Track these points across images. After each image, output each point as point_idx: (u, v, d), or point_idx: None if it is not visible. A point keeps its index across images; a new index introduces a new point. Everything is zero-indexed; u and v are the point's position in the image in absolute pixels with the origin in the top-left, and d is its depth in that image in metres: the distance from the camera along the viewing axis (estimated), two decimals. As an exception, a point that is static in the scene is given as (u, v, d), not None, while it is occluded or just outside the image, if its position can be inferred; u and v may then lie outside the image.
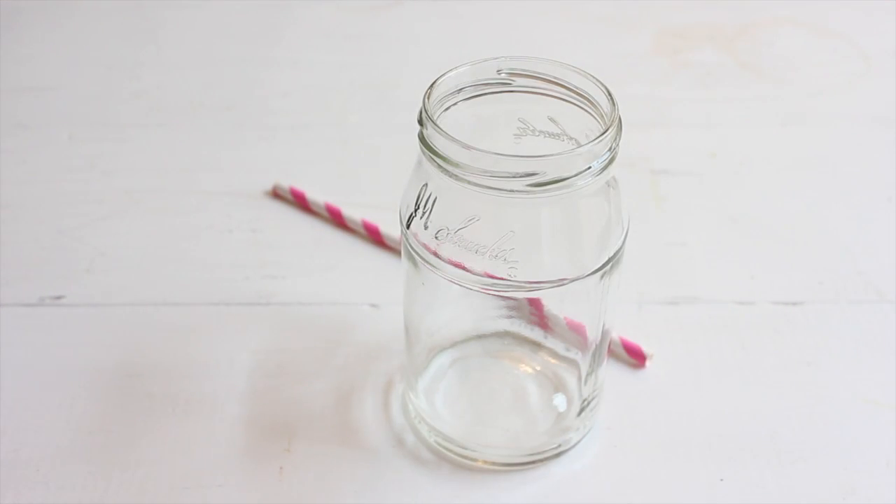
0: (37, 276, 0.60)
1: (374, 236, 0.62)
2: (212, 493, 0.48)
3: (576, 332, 0.49)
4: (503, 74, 0.45)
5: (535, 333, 0.52)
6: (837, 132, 0.74)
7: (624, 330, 0.56)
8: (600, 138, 0.41)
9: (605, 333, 0.48)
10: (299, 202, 0.65)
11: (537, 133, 0.46)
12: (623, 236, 0.45)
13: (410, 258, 0.45)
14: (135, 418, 0.51)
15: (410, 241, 0.45)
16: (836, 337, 0.56)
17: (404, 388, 0.52)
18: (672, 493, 0.48)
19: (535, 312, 0.50)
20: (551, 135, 0.45)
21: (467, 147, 0.40)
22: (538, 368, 0.52)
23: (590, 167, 0.41)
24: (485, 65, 0.45)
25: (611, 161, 0.42)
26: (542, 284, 0.43)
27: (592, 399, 0.49)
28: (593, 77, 0.44)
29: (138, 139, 0.72)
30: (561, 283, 0.43)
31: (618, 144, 0.42)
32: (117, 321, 0.57)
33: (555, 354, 0.52)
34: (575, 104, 0.44)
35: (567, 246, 0.43)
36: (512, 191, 0.40)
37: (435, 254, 0.44)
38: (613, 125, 0.41)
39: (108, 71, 0.80)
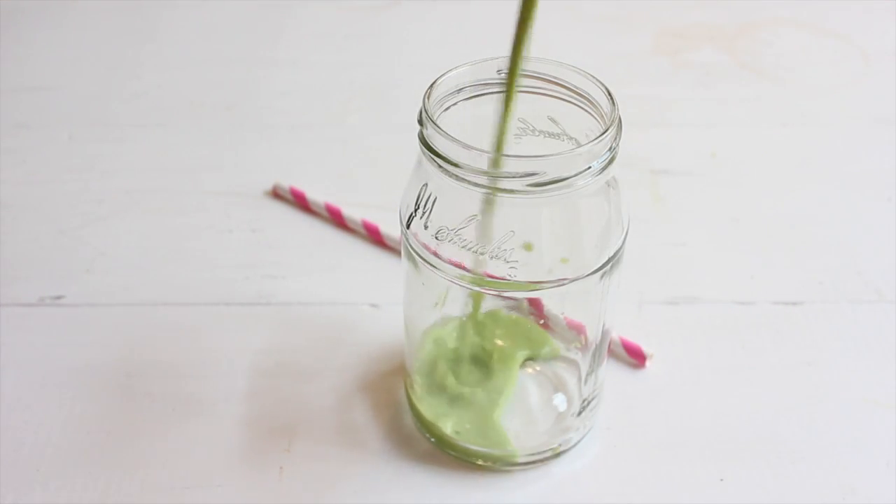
0: (37, 276, 0.60)
1: (374, 236, 0.62)
2: (212, 493, 0.48)
3: (576, 332, 0.49)
4: (503, 74, 0.45)
5: (535, 333, 0.52)
6: (837, 132, 0.74)
7: (624, 330, 0.56)
8: (600, 138, 0.41)
9: (605, 333, 0.48)
10: (299, 202, 0.65)
11: (537, 133, 0.46)
12: (623, 236, 0.45)
13: (410, 258, 0.45)
14: (135, 418, 0.51)
15: (410, 240, 0.45)
16: (836, 337, 0.56)
17: (404, 388, 0.52)
18: (672, 493, 0.48)
19: (535, 312, 0.50)
20: (551, 135, 0.45)
21: (467, 147, 0.40)
22: (538, 368, 0.52)
23: (590, 167, 0.41)
24: (485, 65, 0.45)
25: (611, 161, 0.42)
26: (542, 284, 0.43)
27: (592, 399, 0.49)
28: (593, 77, 0.44)
29: (138, 139, 0.72)
30: (561, 283, 0.43)
31: (618, 144, 0.42)
32: (117, 321, 0.57)
33: (555, 354, 0.52)
34: (575, 104, 0.44)
35: (567, 246, 0.43)
36: (512, 191, 0.40)
37: (435, 254, 0.44)
38: (613, 125, 0.41)
39: (108, 71, 0.80)
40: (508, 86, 0.43)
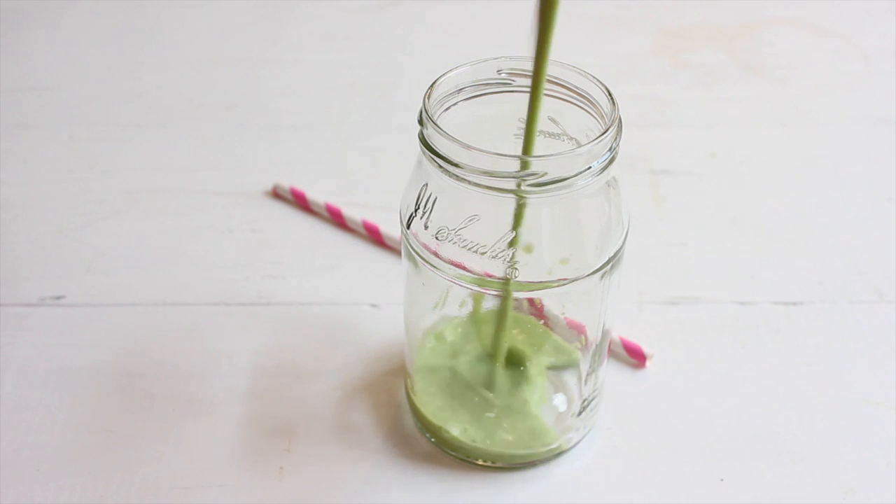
0: (37, 276, 0.60)
1: (374, 236, 0.62)
2: (212, 493, 0.48)
3: (576, 332, 0.49)
4: (503, 74, 0.45)
5: (536, 333, 0.52)
6: (837, 132, 0.74)
7: (624, 330, 0.56)
8: (600, 138, 0.41)
9: (605, 333, 0.48)
10: (299, 202, 0.65)
11: (537, 133, 0.45)
12: (623, 236, 0.45)
13: (410, 258, 0.45)
14: (135, 418, 0.51)
15: (410, 241, 0.45)
16: (836, 337, 0.56)
17: (404, 388, 0.52)
18: (672, 493, 0.48)
19: (535, 312, 0.50)
20: (551, 135, 0.45)
21: (467, 147, 0.40)
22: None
23: (590, 167, 0.41)
24: (485, 65, 0.45)
25: (611, 161, 0.42)
26: (542, 284, 0.43)
27: (592, 399, 0.49)
28: (593, 77, 0.44)
29: (138, 139, 0.72)
30: (561, 283, 0.43)
31: (618, 144, 0.42)
32: (117, 321, 0.57)
33: (555, 354, 0.52)
34: (575, 104, 0.44)
35: (567, 246, 0.43)
36: (512, 191, 0.40)
37: (435, 254, 0.44)
38: (613, 125, 0.41)
39: (108, 71, 0.80)
40: (534, 87, 0.42)
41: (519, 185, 0.40)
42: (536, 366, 0.49)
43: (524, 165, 0.40)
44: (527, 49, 0.42)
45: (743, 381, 0.54)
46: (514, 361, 0.50)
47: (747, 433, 0.51)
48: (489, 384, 0.49)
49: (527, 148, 0.43)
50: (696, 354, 0.55)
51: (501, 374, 0.49)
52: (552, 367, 0.50)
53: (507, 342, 0.49)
